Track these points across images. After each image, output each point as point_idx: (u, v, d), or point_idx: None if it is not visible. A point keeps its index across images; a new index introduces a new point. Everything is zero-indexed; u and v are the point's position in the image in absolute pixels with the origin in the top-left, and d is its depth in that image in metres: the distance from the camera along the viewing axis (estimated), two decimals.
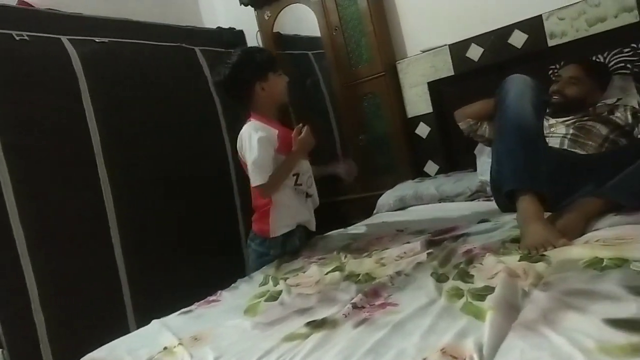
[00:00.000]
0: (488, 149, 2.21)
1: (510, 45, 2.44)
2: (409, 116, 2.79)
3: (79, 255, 2.01)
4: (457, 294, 1.13)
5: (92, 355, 1.29)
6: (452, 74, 2.61)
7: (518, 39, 2.41)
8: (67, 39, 2.16)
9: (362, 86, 2.88)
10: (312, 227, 2.00)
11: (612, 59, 2.22)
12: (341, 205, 3.01)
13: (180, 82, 2.61)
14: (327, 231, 2.20)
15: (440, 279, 1.25)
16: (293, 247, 1.92)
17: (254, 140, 1.76)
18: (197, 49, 2.76)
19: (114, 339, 1.36)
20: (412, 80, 2.76)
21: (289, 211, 1.89)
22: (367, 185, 2.89)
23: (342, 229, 2.20)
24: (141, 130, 2.33)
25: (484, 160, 2.26)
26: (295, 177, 1.88)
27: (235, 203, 2.76)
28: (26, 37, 2.01)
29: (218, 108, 2.76)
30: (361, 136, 2.93)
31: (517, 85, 1.76)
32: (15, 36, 1.97)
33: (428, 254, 1.46)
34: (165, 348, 1.18)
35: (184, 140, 2.52)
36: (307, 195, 1.95)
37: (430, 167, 2.78)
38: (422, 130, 2.76)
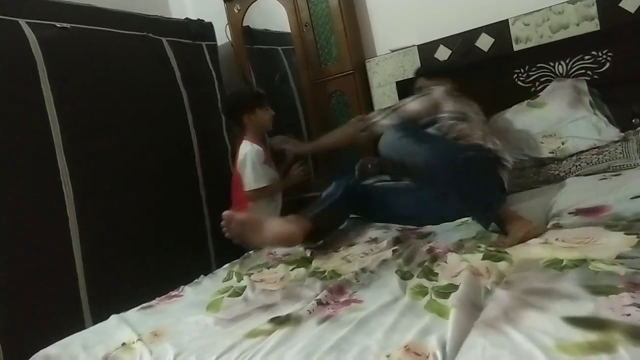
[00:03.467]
0: None
1: (478, 48, 2.48)
2: None
3: (34, 249, 1.93)
4: (422, 291, 1.14)
5: (45, 351, 1.24)
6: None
7: (485, 42, 2.46)
8: (26, 22, 2.06)
9: (330, 83, 2.88)
10: None
11: (573, 65, 2.29)
12: (305, 201, 2.99)
13: (146, 72, 2.54)
14: None
15: (404, 276, 1.25)
16: None
17: (248, 157, 2.38)
18: (164, 39, 2.70)
19: (68, 336, 1.32)
20: (381, 79, 2.77)
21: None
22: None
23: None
24: (104, 120, 2.25)
25: None
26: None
27: (200, 196, 2.71)
28: None
29: (185, 100, 2.70)
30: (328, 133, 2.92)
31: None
32: None
33: (393, 251, 1.47)
34: (123, 344, 1.14)
35: (149, 132, 2.45)
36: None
37: None
38: None
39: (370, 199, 1.97)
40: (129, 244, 2.26)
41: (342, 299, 1.19)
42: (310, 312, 1.13)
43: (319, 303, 1.17)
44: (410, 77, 2.64)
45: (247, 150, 2.39)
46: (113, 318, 1.38)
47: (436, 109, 1.93)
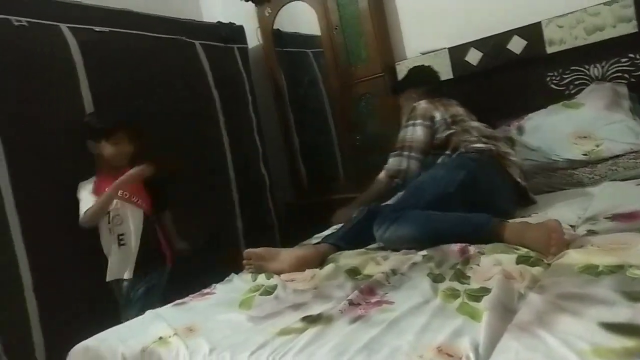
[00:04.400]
0: None
1: (509, 51, 2.45)
2: None
3: (71, 246, 1.99)
4: (453, 294, 1.14)
5: (84, 343, 1.28)
6: (451, 77, 2.62)
7: (517, 44, 2.43)
8: (67, 26, 2.14)
9: (360, 86, 2.89)
10: (127, 275, 1.98)
11: (609, 68, 2.25)
12: (335, 204, 3.01)
13: (179, 75, 2.59)
14: (322, 230, 2.20)
15: (436, 279, 1.25)
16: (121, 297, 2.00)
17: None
18: (197, 42, 2.75)
19: (105, 329, 1.36)
20: None
21: (110, 264, 1.98)
22: (363, 185, 2.89)
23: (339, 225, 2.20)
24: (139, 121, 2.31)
25: None
26: (107, 215, 1.97)
27: (233, 197, 2.76)
28: (25, 24, 1.99)
29: (217, 102, 2.75)
30: (358, 136, 2.94)
31: None
32: (14, 22, 1.95)
33: (423, 255, 1.46)
34: (160, 338, 1.18)
35: (182, 134, 2.50)
36: (120, 244, 1.97)
37: None
38: None
39: None
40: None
41: (373, 300, 1.20)
42: (341, 312, 1.14)
43: (350, 303, 1.18)
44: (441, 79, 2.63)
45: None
46: (149, 313, 1.42)
47: (432, 121, 2.04)
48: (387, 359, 0.90)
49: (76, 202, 1.96)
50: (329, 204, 2.99)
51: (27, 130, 1.92)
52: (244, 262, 1.66)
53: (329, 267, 1.49)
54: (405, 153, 2.03)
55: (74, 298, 1.96)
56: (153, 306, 1.52)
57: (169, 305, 1.48)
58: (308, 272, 1.52)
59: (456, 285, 1.19)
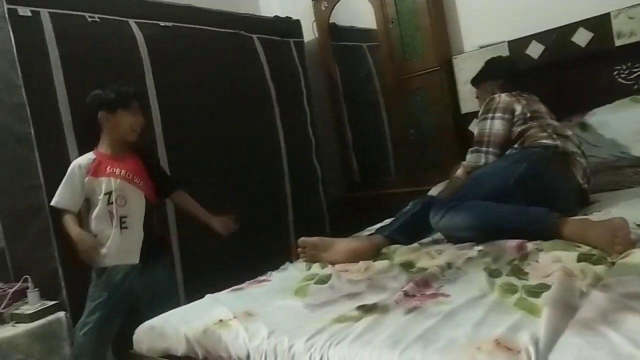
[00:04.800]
0: None
1: (574, 44, 2.37)
2: (463, 112, 2.75)
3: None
4: (511, 289, 1.13)
5: (149, 323, 1.36)
6: None
7: (582, 37, 2.34)
8: (134, 21, 2.25)
9: (415, 80, 2.87)
10: (132, 260, 1.83)
11: None
12: (385, 199, 3.01)
13: (238, 68, 2.67)
14: (372, 224, 2.22)
15: (492, 274, 1.24)
16: (108, 285, 1.80)
17: (69, 168, 1.81)
18: (254, 36, 2.82)
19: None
20: (468, 76, 2.70)
21: (106, 247, 1.80)
22: (414, 180, 2.88)
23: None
24: (199, 113, 2.40)
25: None
26: (107, 195, 1.79)
27: (286, 190, 2.81)
28: (97, 19, 2.11)
29: (272, 96, 2.81)
30: (411, 130, 2.92)
31: None
32: (88, 18, 2.07)
33: (479, 250, 1.45)
34: (220, 320, 1.22)
35: (239, 125, 2.58)
36: (122, 227, 1.81)
37: None
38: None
39: None
40: None
41: (428, 292, 1.20)
42: (397, 303, 1.15)
43: (406, 294, 1.19)
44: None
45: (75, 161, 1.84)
46: (208, 297, 1.48)
47: (512, 114, 1.94)
48: (444, 349, 0.90)
49: None
50: (379, 199, 3.00)
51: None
52: (299, 250, 1.68)
53: (382, 261, 1.50)
54: (484, 149, 1.95)
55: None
56: (160, 303, 1.58)
57: (226, 290, 1.54)
58: (362, 264, 1.54)
59: (514, 280, 1.18)
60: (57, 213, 1.80)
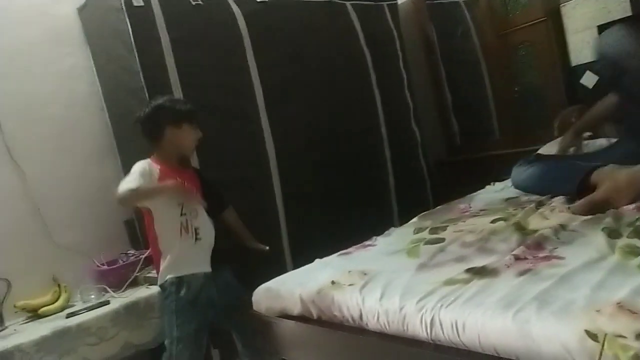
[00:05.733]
0: None
1: None
2: (573, 64, 2.56)
3: (245, 198, 2.22)
4: (633, 251, 1.07)
5: (266, 285, 1.47)
6: (629, 14, 2.32)
7: None
8: (233, 0, 2.33)
9: (517, 34, 2.72)
10: (206, 269, 1.81)
11: None
12: (489, 161, 2.92)
13: (332, 37, 2.68)
14: (475, 188, 2.18)
15: (611, 235, 1.18)
16: (190, 295, 1.75)
17: (134, 168, 1.77)
18: (347, 3, 2.80)
19: (273, 275, 1.53)
20: (579, 24, 2.51)
21: (177, 258, 1.77)
22: (520, 140, 2.75)
23: (498, 182, 2.15)
24: (298, 85, 2.47)
25: None
26: (180, 206, 1.77)
27: (385, 156, 2.82)
28: (200, 2, 2.22)
29: (368, 61, 2.80)
30: (515, 88, 2.78)
31: None
32: (192, 2, 2.19)
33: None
34: (332, 282, 1.29)
35: (336, 93, 2.61)
36: (197, 238, 1.79)
37: None
38: (589, 79, 2.52)
39: None
40: (320, 198, 2.48)
41: (540, 255, 1.18)
42: (507, 266, 1.14)
43: (516, 258, 1.17)
44: (615, 19, 2.35)
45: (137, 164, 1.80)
46: (317, 262, 1.56)
47: None
48: (560, 311, 0.89)
49: None
50: (482, 161, 2.91)
51: (205, 95, 2.17)
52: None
53: (499, 222, 1.48)
54: None
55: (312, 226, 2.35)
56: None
57: (334, 255, 1.61)
58: (479, 225, 1.52)
59: (636, 242, 1.12)
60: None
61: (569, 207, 1.47)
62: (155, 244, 1.80)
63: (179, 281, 1.74)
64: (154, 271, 2.00)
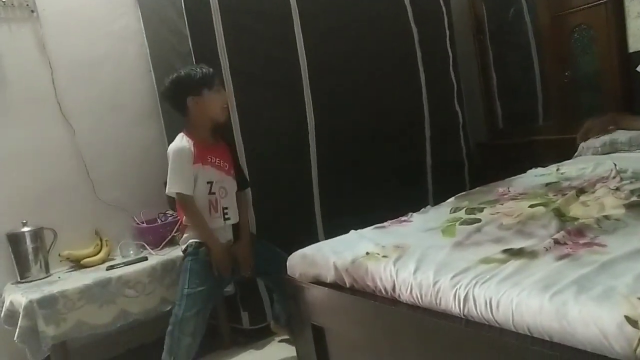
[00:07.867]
0: None
1: None
2: (631, 51, 2.45)
3: (282, 167, 2.25)
4: None
5: (302, 251, 1.50)
6: None
7: None
8: None
9: (574, 16, 2.61)
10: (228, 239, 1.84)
11: None
12: (530, 146, 2.85)
13: (381, 12, 2.63)
14: (517, 172, 2.14)
15: None
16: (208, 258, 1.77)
17: (170, 155, 1.77)
18: None
19: (304, 243, 1.56)
20: None
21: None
22: (565, 127, 2.68)
23: (541, 168, 2.11)
24: (343, 58, 2.45)
25: None
26: (209, 185, 1.78)
27: (425, 134, 2.79)
28: None
29: (415, 39, 2.75)
30: (567, 72, 2.68)
31: None
32: None
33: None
34: (367, 253, 1.31)
35: (381, 70, 2.58)
36: (225, 218, 1.81)
37: None
38: None
39: None
40: (355, 171, 2.48)
41: (581, 241, 1.16)
42: (546, 250, 1.13)
43: (556, 242, 1.16)
44: None
45: (172, 146, 1.79)
46: (353, 233, 1.57)
47: None
48: (600, 297, 0.88)
49: None
50: (524, 147, 2.85)
51: (250, 63, 2.18)
52: None
53: (538, 207, 1.45)
54: None
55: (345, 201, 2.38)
56: None
57: (369, 228, 1.62)
58: (517, 208, 1.49)
59: None
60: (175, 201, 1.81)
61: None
62: (182, 217, 1.85)
63: (200, 245, 1.77)
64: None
